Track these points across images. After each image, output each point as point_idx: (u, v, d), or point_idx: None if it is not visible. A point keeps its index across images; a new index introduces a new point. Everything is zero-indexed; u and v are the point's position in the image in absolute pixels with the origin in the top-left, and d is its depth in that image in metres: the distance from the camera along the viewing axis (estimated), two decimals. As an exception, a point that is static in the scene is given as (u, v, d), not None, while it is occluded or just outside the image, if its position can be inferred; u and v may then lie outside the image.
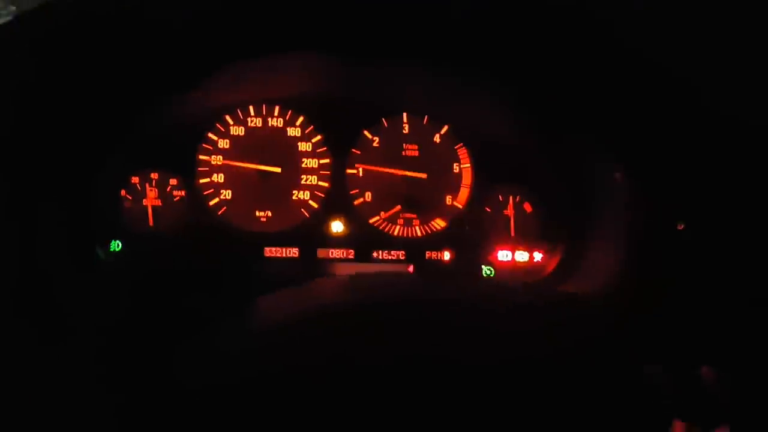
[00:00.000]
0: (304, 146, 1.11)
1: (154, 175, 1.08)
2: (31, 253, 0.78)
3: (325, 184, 1.11)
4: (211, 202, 1.09)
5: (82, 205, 0.99)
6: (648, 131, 0.78)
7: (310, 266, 1.10)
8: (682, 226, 0.82)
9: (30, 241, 0.78)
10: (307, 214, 1.11)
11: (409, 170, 1.12)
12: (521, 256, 1.10)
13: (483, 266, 1.10)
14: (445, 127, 1.12)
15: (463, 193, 1.12)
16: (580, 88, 0.77)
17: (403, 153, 1.12)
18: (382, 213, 1.12)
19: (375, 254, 1.11)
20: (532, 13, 0.65)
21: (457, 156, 1.12)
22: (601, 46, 0.67)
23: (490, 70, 0.79)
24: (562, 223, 1.08)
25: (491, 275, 1.10)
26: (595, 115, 0.83)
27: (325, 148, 1.11)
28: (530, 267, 1.10)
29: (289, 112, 1.11)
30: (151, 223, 1.07)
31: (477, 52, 0.72)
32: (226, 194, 1.10)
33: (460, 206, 1.12)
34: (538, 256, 1.10)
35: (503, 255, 1.10)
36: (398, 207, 1.11)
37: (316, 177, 1.11)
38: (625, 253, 0.91)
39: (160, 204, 1.08)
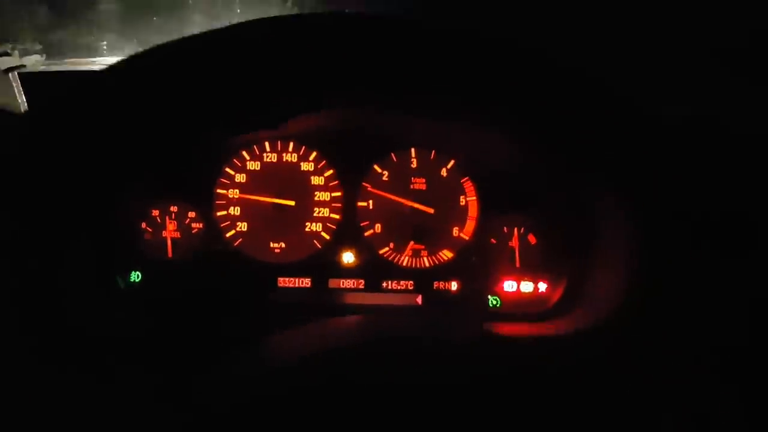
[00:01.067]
0: (316, 180, 1.16)
1: (174, 208, 1.13)
2: (54, 283, 0.83)
3: (337, 217, 1.16)
4: (228, 234, 1.14)
5: (103, 236, 1.04)
6: (646, 165, 0.82)
7: (322, 296, 1.14)
8: None
9: (52, 271, 0.83)
10: (319, 245, 1.15)
11: (417, 202, 1.16)
12: (526, 286, 1.13)
13: (489, 296, 1.13)
14: (452, 161, 1.16)
15: (470, 225, 1.15)
16: (578, 132, 0.82)
17: (412, 186, 1.16)
18: (391, 244, 1.16)
19: (384, 284, 1.15)
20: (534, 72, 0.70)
21: (464, 189, 1.16)
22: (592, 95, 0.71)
23: (494, 121, 0.83)
24: (565, 254, 1.10)
25: (497, 305, 1.13)
26: (595, 153, 0.87)
27: (336, 182, 1.16)
28: (535, 297, 1.13)
29: (303, 148, 1.16)
30: (170, 254, 1.12)
31: (482, 106, 0.77)
32: (242, 226, 1.15)
33: (466, 238, 1.15)
34: (542, 286, 1.13)
35: (509, 285, 1.13)
36: (411, 243, 1.15)
37: (328, 209, 1.16)
38: (627, 282, 0.93)
39: (179, 236, 1.13)
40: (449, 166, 1.16)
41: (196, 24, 1.32)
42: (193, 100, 0.68)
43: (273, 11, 1.29)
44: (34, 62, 1.23)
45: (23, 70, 1.20)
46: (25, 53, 1.22)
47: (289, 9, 1.29)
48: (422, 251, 1.15)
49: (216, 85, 0.68)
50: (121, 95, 0.67)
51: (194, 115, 0.70)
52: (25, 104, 1.21)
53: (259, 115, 0.73)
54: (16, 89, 1.20)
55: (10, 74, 1.19)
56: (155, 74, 0.66)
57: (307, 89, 0.71)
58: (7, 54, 1.19)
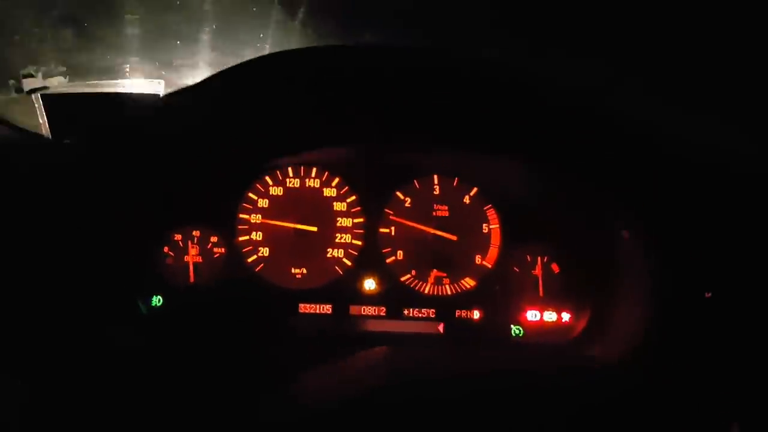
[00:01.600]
0: (339, 206, 1.16)
1: (196, 233, 1.12)
2: (76, 307, 0.82)
3: (359, 243, 1.15)
4: (250, 259, 1.13)
5: (126, 261, 1.03)
6: (668, 200, 0.83)
7: (343, 323, 1.13)
8: (709, 295, 0.84)
9: (75, 295, 0.82)
10: (340, 272, 1.14)
11: (439, 230, 1.15)
12: (549, 316, 1.12)
13: (512, 326, 1.12)
14: (475, 189, 1.16)
15: (492, 252, 1.15)
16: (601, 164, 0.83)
17: (434, 213, 1.16)
18: (413, 271, 1.15)
19: (406, 312, 1.14)
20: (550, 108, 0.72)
21: (486, 217, 1.16)
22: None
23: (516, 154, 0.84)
24: (589, 284, 1.10)
25: (520, 335, 1.12)
26: (619, 184, 0.88)
27: (359, 208, 1.16)
28: (558, 327, 1.12)
29: (326, 174, 1.16)
30: (191, 278, 1.11)
31: (504, 140, 0.78)
32: (264, 252, 1.14)
33: (489, 266, 1.14)
34: (566, 316, 1.12)
35: (532, 315, 1.12)
36: (434, 270, 1.14)
37: (350, 236, 1.15)
38: (651, 314, 0.93)
39: (201, 260, 1.12)
40: (472, 194, 1.16)
41: (217, 48, 1.32)
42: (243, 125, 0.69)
43: (294, 36, 1.30)
44: (57, 84, 1.23)
45: (46, 91, 1.20)
46: (48, 75, 1.23)
47: (310, 35, 1.29)
48: (444, 279, 1.15)
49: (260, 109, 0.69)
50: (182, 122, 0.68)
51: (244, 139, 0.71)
52: (47, 125, 1.21)
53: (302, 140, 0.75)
54: (38, 110, 1.20)
55: (33, 95, 1.19)
56: (210, 101, 0.67)
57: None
58: (30, 75, 1.20)
